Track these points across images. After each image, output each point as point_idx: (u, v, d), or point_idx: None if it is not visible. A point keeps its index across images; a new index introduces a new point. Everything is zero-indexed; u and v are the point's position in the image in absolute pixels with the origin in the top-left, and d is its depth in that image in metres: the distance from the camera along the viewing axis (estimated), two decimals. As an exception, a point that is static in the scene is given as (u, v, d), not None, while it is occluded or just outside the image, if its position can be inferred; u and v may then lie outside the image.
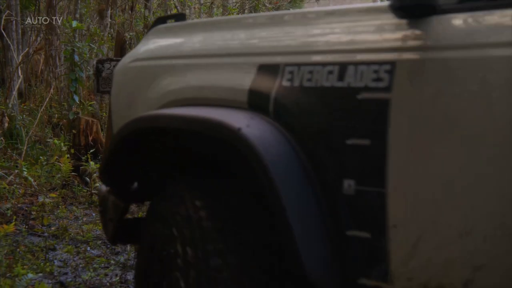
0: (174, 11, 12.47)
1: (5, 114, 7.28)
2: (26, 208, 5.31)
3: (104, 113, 8.66)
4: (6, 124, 7.25)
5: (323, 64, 1.61)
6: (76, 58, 7.27)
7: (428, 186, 1.41)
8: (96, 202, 5.91)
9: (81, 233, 4.79)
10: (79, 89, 7.96)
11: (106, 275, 3.94)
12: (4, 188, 5.48)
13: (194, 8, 15.20)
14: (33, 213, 5.22)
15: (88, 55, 8.07)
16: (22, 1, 9.50)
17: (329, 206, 1.58)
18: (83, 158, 6.56)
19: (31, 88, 10.09)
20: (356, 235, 1.53)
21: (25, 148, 6.64)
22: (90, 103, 8.67)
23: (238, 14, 14.06)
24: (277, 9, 16.84)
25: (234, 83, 1.84)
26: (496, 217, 1.29)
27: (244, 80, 1.80)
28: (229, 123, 1.66)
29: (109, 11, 10.23)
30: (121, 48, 7.05)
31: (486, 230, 1.29)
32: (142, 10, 11.60)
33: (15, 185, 5.72)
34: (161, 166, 2.22)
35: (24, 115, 7.84)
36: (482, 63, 1.34)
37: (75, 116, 7.32)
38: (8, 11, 8.14)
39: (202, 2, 15.59)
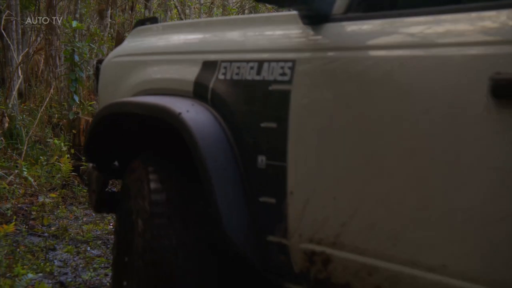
0: (174, 11, 12.48)
1: (5, 114, 7.27)
2: (26, 208, 5.31)
3: (104, 113, 8.67)
4: (6, 124, 7.24)
5: (247, 61, 2.00)
6: (76, 58, 7.27)
7: (314, 162, 1.77)
8: (96, 202, 5.91)
9: (81, 233, 4.79)
10: (79, 89, 7.95)
11: (106, 275, 3.94)
12: (4, 188, 5.48)
13: (194, 8, 15.20)
14: (33, 213, 5.21)
15: (88, 55, 8.07)
16: (22, 1, 9.49)
17: (246, 177, 1.95)
18: (83, 158, 6.56)
19: (31, 88, 10.09)
20: (265, 201, 1.91)
21: (25, 148, 6.64)
22: (90, 103, 8.66)
23: (238, 14, 14.07)
24: (277, 9, 16.84)
25: (184, 76, 2.23)
26: (355, 187, 1.67)
27: (191, 74, 2.20)
28: (172, 108, 2.07)
29: (109, 11, 10.23)
30: (121, 48, 7.05)
31: (348, 196, 1.68)
32: (142, 10, 11.60)
33: (15, 185, 5.72)
34: (131, 146, 2.61)
35: (24, 115, 7.84)
36: (359, 62, 1.69)
37: (75, 116, 7.31)
38: (8, 11, 8.14)
39: (202, 2, 15.58)
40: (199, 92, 2.15)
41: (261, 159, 1.92)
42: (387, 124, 1.61)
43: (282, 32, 1.99)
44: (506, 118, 1.35)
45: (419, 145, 1.53)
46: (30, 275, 3.51)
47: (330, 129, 1.74)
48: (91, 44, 8.35)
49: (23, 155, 6.47)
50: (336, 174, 1.73)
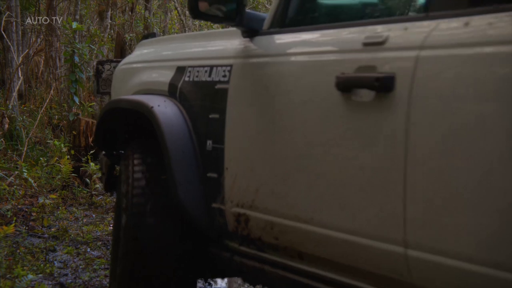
0: (174, 13, 12.48)
1: (5, 115, 7.28)
2: (26, 209, 5.31)
3: (104, 114, 8.68)
4: (6, 126, 7.25)
5: (203, 66, 2.58)
6: (76, 59, 7.27)
7: (240, 145, 2.34)
8: (96, 203, 5.92)
9: (81, 234, 4.79)
10: (79, 90, 7.96)
11: (106, 276, 3.94)
12: (4, 189, 5.48)
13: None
14: (33, 214, 5.22)
15: (88, 56, 8.07)
16: (22, 2, 9.50)
17: (199, 157, 2.52)
18: (83, 159, 6.56)
19: (31, 89, 10.10)
20: (210, 176, 2.46)
21: (25, 149, 6.64)
22: (90, 104, 8.67)
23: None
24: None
25: (162, 79, 2.82)
26: (264, 164, 2.21)
27: (168, 77, 2.78)
28: (147, 103, 2.67)
29: (109, 13, 10.24)
30: (121, 49, 7.05)
31: (260, 171, 2.24)
32: (142, 11, 11.61)
33: (15, 186, 5.72)
34: (131, 136, 3.15)
35: (24, 116, 7.85)
36: (272, 64, 2.26)
37: (75, 117, 7.32)
38: (8, 12, 8.14)
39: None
40: (171, 91, 2.74)
41: (209, 143, 2.49)
42: (284, 115, 2.16)
43: (228, 43, 2.57)
44: (346, 104, 1.93)
45: (299, 131, 2.09)
46: (30, 276, 3.51)
47: (251, 119, 2.30)
48: (91, 45, 8.36)
49: (23, 156, 6.47)
50: (253, 155, 2.28)
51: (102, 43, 9.45)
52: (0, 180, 5.63)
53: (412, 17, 2.02)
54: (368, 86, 1.85)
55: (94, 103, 8.87)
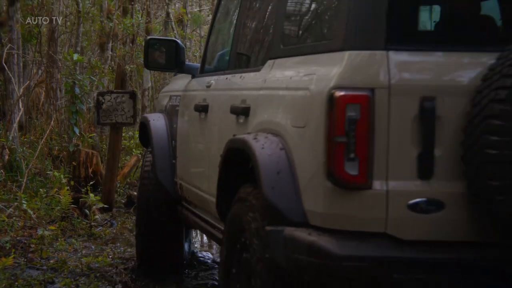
0: (174, 44, 12.60)
1: (6, 147, 7.29)
2: (25, 241, 5.28)
3: (104, 145, 8.68)
4: (7, 157, 7.25)
5: (174, 95, 4.52)
6: (77, 90, 7.31)
7: (180, 143, 4.25)
8: (95, 235, 5.88)
9: (80, 266, 4.76)
10: (79, 121, 7.98)
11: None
12: (3, 220, 5.46)
13: (195, 40, 15.34)
14: (32, 246, 5.19)
15: (88, 88, 8.12)
16: (24, 35, 9.58)
17: (171, 151, 4.34)
18: (83, 190, 6.55)
19: (31, 120, 10.13)
20: (174, 162, 4.32)
21: (25, 180, 6.64)
22: (90, 135, 8.69)
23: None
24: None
25: (164, 102, 4.77)
26: (184, 154, 4.19)
27: (166, 101, 4.73)
28: (148, 118, 4.65)
29: (110, 44, 10.32)
30: (122, 81, 7.10)
31: (183, 156, 4.22)
32: (143, 43, 11.70)
33: (14, 218, 5.70)
34: None
35: (25, 148, 7.85)
36: (189, 96, 4.14)
37: (75, 148, 7.32)
38: (10, 45, 8.21)
39: (202, 35, 15.73)
40: (165, 109, 4.68)
41: (173, 142, 4.37)
42: (189, 125, 4.10)
43: (185, 81, 4.36)
44: (200, 119, 3.84)
45: (191, 134, 4.07)
46: (28, 309, 3.48)
47: (182, 127, 4.23)
48: (92, 77, 8.41)
49: (22, 188, 6.46)
50: (182, 148, 4.20)
51: (103, 74, 9.51)
52: (-1, 212, 5.62)
53: (227, 72, 3.62)
54: (201, 110, 3.76)
55: (94, 134, 8.89)
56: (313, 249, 2.26)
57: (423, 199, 2.25)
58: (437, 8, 2.65)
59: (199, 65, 4.24)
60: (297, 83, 2.58)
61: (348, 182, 2.25)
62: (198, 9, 17.11)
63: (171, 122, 4.40)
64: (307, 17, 2.87)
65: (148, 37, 4.08)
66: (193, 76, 4.20)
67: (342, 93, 2.23)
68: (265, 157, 2.53)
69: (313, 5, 2.81)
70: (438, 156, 2.26)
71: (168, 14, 12.06)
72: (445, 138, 2.25)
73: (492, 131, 2.09)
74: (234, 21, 3.71)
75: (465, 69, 2.31)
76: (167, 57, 4.18)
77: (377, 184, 2.25)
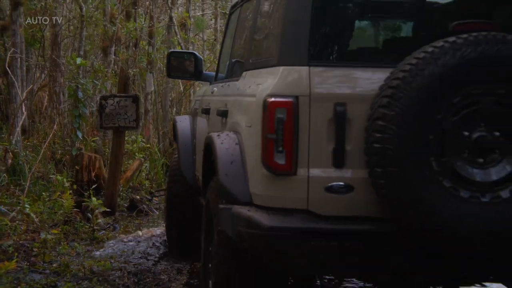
0: (178, 48, 12.61)
1: (9, 151, 7.30)
2: (28, 245, 5.29)
3: (107, 149, 8.68)
4: (10, 161, 7.26)
5: (196, 100, 5.26)
6: (80, 94, 7.33)
7: (197, 140, 4.77)
8: (98, 238, 5.89)
9: (83, 270, 4.76)
10: (82, 125, 8.00)
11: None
12: (6, 224, 5.47)
13: (198, 44, 15.36)
14: (35, 249, 5.19)
15: (91, 92, 8.13)
16: (27, 39, 9.61)
17: (192, 147, 4.94)
18: (86, 194, 6.55)
19: (34, 124, 10.15)
20: (194, 157, 4.81)
21: (27, 184, 6.64)
22: (93, 139, 8.70)
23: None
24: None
25: (191, 106, 5.60)
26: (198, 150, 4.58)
27: (192, 105, 5.56)
28: (176, 119, 5.49)
29: (113, 48, 10.35)
30: (125, 85, 7.11)
31: (197, 153, 4.68)
32: (146, 47, 11.72)
33: (17, 222, 5.71)
34: None
35: (27, 151, 7.87)
36: (207, 101, 4.52)
37: (78, 152, 7.33)
38: (13, 49, 8.24)
39: (205, 38, 15.75)
40: (191, 112, 5.29)
41: (194, 140, 4.80)
42: (200, 130, 4.61)
43: (204, 88, 4.91)
44: (206, 119, 4.38)
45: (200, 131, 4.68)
46: (31, 313, 3.48)
47: (198, 126, 4.75)
48: (94, 81, 8.43)
49: (25, 191, 6.47)
50: (197, 147, 4.58)
51: (106, 78, 9.53)
52: (2, 216, 5.62)
53: (224, 80, 4.18)
54: (206, 112, 4.27)
55: (97, 138, 8.90)
56: (249, 221, 2.86)
57: (337, 183, 2.89)
58: (347, 33, 3.34)
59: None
60: (251, 91, 3.18)
61: (278, 170, 2.88)
62: (201, 13, 17.14)
63: (193, 122, 5.02)
64: (262, 39, 3.51)
65: (170, 50, 4.58)
66: (210, 84, 4.74)
67: (272, 99, 2.87)
68: (222, 150, 3.19)
69: (266, 30, 3.48)
70: (348, 149, 2.88)
71: (171, 18, 12.08)
72: (353, 135, 2.86)
73: (377, 129, 2.69)
74: (232, 37, 4.37)
75: (368, 81, 2.91)
76: (187, 67, 4.82)
77: (301, 171, 2.88)
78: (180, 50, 5.04)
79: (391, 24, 3.61)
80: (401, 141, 2.67)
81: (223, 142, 3.25)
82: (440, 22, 3.35)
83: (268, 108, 2.89)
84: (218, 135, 3.32)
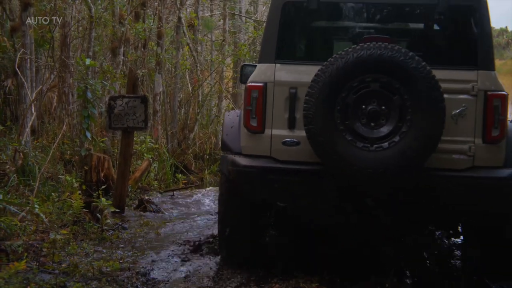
0: (186, 49, 12.62)
1: (19, 151, 7.33)
2: (37, 245, 5.31)
3: (116, 150, 8.71)
4: (20, 161, 7.29)
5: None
6: (89, 95, 7.35)
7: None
8: (106, 239, 5.91)
9: (92, 270, 4.78)
10: (91, 125, 8.02)
11: (116, 313, 3.91)
12: (16, 224, 5.49)
13: (206, 45, 15.37)
14: (44, 249, 5.21)
15: (100, 92, 8.16)
16: (36, 40, 9.65)
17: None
18: (95, 194, 6.57)
19: (44, 125, 10.19)
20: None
21: (37, 184, 6.67)
22: (102, 139, 8.72)
23: (249, 51, 14.20)
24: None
25: None
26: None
27: None
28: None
29: (122, 49, 10.37)
30: (133, 85, 7.12)
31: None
32: (155, 47, 11.75)
33: (26, 222, 5.73)
34: None
35: (37, 152, 7.90)
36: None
37: (87, 153, 7.36)
38: (23, 50, 8.28)
39: (213, 39, 15.76)
40: None
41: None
42: None
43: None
44: None
45: None
46: (40, 313, 3.49)
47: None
48: (103, 81, 8.45)
49: (35, 192, 6.50)
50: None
51: (115, 79, 9.55)
52: (12, 216, 5.65)
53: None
54: None
55: (106, 139, 8.93)
56: (233, 162, 4.52)
57: (290, 139, 4.51)
58: (297, 44, 5.11)
59: None
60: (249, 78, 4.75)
61: (252, 129, 4.56)
62: (209, 14, 17.15)
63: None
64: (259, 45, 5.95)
65: (242, 64, 5.70)
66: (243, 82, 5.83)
67: (250, 84, 4.61)
68: (227, 120, 5.00)
69: (261, 40, 5.17)
70: (297, 117, 4.49)
71: (179, 19, 12.10)
72: (299, 108, 4.46)
73: (305, 102, 4.21)
74: None
75: (308, 73, 4.40)
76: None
77: (267, 131, 4.54)
78: (250, 63, 5.76)
79: (324, 37, 5.33)
80: (317, 110, 4.18)
81: (229, 115, 5.09)
82: (358, 35, 4.90)
83: (247, 90, 4.61)
84: (229, 112, 5.18)
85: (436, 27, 5.07)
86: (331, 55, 4.25)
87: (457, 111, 4.45)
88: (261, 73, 4.60)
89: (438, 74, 4.26)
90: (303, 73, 4.50)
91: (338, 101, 4.19)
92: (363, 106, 4.19)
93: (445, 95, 4.19)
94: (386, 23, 5.06)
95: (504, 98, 4.46)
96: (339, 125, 4.17)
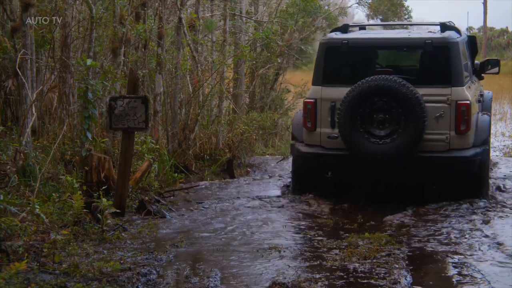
0: (187, 49, 12.62)
1: (20, 152, 7.33)
2: (38, 246, 5.31)
3: (116, 150, 8.70)
4: (21, 162, 7.29)
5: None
6: (90, 95, 7.34)
7: None
8: (107, 239, 5.90)
9: (92, 271, 4.78)
10: (92, 126, 8.02)
11: (116, 313, 3.91)
12: (16, 225, 5.49)
13: (207, 46, 15.36)
14: (45, 250, 5.21)
15: (101, 93, 8.15)
16: (37, 40, 9.64)
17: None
18: (95, 195, 6.57)
19: (44, 125, 10.18)
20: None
21: (37, 185, 6.67)
22: (103, 140, 8.72)
23: (250, 52, 14.19)
24: (289, 46, 17.00)
25: None
26: None
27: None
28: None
29: (122, 49, 10.37)
30: (134, 86, 7.12)
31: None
32: (155, 48, 11.74)
33: (27, 222, 5.73)
34: None
35: (37, 152, 7.90)
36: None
37: (88, 153, 7.36)
38: (23, 50, 8.27)
39: (214, 40, 15.76)
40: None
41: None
42: None
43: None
44: None
45: None
46: (41, 313, 3.49)
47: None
48: (104, 82, 8.44)
49: (35, 192, 6.50)
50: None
51: (115, 79, 9.54)
52: (12, 216, 5.65)
53: None
54: None
55: (106, 139, 8.92)
56: (298, 149, 7.96)
57: (332, 134, 7.68)
58: (337, 71, 7.96)
59: None
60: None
61: (308, 129, 7.85)
62: (210, 14, 17.16)
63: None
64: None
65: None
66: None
67: (305, 100, 7.93)
68: (295, 118, 8.41)
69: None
70: (336, 121, 7.50)
71: (180, 19, 12.09)
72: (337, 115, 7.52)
73: (337, 113, 7.42)
74: None
75: (342, 92, 7.43)
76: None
77: (318, 129, 7.79)
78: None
79: (352, 69, 7.92)
80: (345, 118, 7.28)
81: (296, 115, 8.45)
82: (373, 67, 7.93)
83: (304, 104, 7.85)
84: (296, 113, 8.53)
85: (424, 59, 7.83)
86: (356, 82, 7.26)
87: (438, 114, 7.32)
88: (313, 92, 7.82)
89: (426, 91, 7.23)
90: (339, 93, 7.46)
91: (358, 113, 7.24)
92: (374, 116, 7.26)
93: (430, 104, 7.21)
94: (391, 59, 8.70)
95: (468, 105, 7.24)
96: (359, 128, 7.26)
